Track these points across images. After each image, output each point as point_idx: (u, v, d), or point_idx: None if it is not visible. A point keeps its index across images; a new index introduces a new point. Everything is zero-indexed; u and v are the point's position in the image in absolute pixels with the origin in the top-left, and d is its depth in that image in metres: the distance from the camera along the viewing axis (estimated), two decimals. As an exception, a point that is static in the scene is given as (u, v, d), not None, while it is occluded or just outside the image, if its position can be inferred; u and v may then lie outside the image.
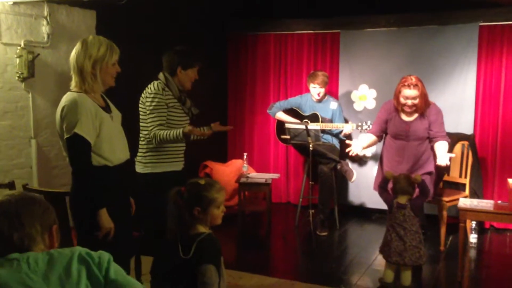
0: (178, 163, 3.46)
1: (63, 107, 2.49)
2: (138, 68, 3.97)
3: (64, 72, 4.10)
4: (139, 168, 3.40)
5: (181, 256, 2.18)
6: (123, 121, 2.75)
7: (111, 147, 2.58)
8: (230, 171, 5.64)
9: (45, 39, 3.99)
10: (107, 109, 2.63)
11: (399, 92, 4.09)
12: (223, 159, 6.18)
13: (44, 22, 3.98)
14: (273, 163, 6.15)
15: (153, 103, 3.24)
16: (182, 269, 2.18)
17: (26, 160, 3.91)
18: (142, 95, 3.35)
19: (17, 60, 3.79)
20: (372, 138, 4.43)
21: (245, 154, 5.31)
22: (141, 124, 3.38)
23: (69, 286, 1.49)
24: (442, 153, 4.02)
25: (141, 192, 3.38)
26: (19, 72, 3.80)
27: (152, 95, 3.26)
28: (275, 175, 5.34)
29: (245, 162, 5.23)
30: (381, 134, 4.43)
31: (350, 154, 4.40)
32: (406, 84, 4.04)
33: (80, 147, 2.46)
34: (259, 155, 6.19)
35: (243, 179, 5.04)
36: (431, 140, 4.18)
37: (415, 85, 4.01)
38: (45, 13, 3.97)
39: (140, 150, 3.40)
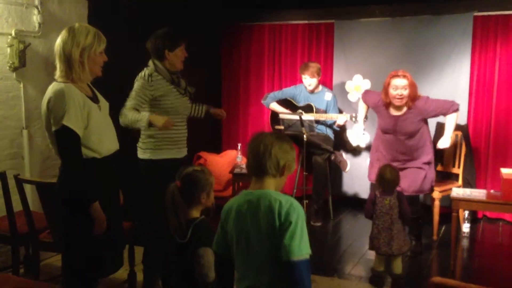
0: (179, 151, 3.42)
1: (50, 98, 2.43)
2: (130, 58, 3.94)
3: (55, 62, 4.06)
4: (139, 154, 3.40)
5: (177, 241, 2.19)
6: (112, 111, 2.72)
7: (100, 138, 2.53)
8: (224, 162, 5.64)
9: (37, 28, 3.95)
10: (94, 99, 2.58)
11: (388, 84, 4.06)
12: (217, 149, 6.17)
13: (35, 11, 3.93)
14: (267, 153, 6.13)
15: (135, 87, 3.25)
16: (179, 254, 2.20)
17: (18, 151, 3.88)
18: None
19: (8, 49, 3.74)
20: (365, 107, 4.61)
21: (239, 144, 5.31)
22: None
23: None
24: (445, 135, 4.13)
25: (140, 178, 3.38)
26: (10, 62, 3.76)
27: (136, 81, 3.28)
28: (269, 166, 5.33)
29: (239, 153, 5.22)
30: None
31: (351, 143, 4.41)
32: (395, 74, 4.04)
33: (69, 140, 2.41)
34: (253, 146, 6.17)
35: (237, 170, 5.04)
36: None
37: (404, 76, 4.01)
38: (36, 2, 3.92)
39: (141, 136, 3.40)
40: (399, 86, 4.00)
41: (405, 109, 4.10)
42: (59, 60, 2.50)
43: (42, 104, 2.50)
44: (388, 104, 4.14)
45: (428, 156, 4.21)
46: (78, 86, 2.49)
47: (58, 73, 2.52)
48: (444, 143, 4.12)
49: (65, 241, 2.58)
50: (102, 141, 2.55)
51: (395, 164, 3.99)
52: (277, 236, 1.78)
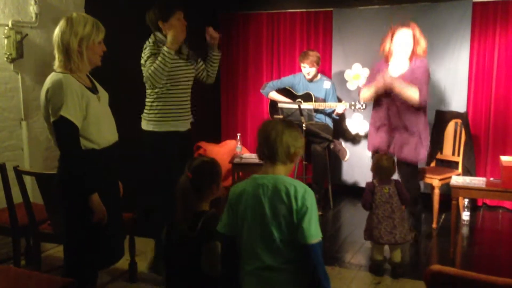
0: (183, 122, 3.43)
1: (48, 89, 2.42)
2: (127, 47, 3.92)
3: (53, 52, 4.04)
4: (143, 125, 3.43)
5: (184, 232, 2.18)
6: (111, 101, 2.71)
7: (99, 130, 2.51)
8: (223, 152, 5.63)
9: (33, 19, 3.92)
10: (93, 90, 2.56)
11: (392, 34, 3.97)
12: (217, 139, 6.16)
13: (32, 2, 3.90)
14: (267, 143, 6.12)
15: (145, 55, 3.30)
16: (184, 244, 2.19)
17: (17, 142, 3.87)
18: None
19: (5, 40, 3.72)
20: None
21: (239, 134, 5.30)
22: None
23: None
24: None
25: (143, 150, 3.41)
26: (8, 53, 3.73)
27: (144, 50, 3.33)
28: (268, 155, 5.33)
29: (239, 143, 5.21)
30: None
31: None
32: (401, 25, 3.95)
33: (67, 131, 2.39)
34: (253, 136, 6.18)
35: (236, 160, 5.03)
36: None
37: (410, 26, 3.93)
38: (33, -8, 3.90)
39: (145, 107, 3.43)
40: (403, 38, 3.93)
41: (405, 68, 4.01)
42: (58, 51, 2.48)
43: (41, 95, 2.49)
44: (388, 58, 4.04)
45: (418, 126, 4.06)
46: (76, 77, 2.48)
47: (56, 63, 2.50)
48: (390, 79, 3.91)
49: (66, 232, 2.58)
50: (101, 132, 2.54)
51: (392, 133, 3.99)
52: (293, 220, 1.88)
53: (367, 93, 4.17)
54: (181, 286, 2.25)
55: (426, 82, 3.97)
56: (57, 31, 2.48)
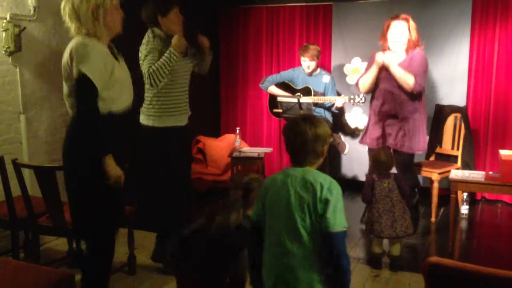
0: (182, 117, 3.45)
1: (71, 50, 2.37)
2: (124, 42, 3.90)
3: (52, 46, 4.03)
4: (142, 119, 3.42)
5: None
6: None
7: (120, 95, 2.49)
8: (223, 146, 5.63)
9: (32, 12, 3.90)
10: (115, 56, 2.55)
11: (388, 27, 4.00)
12: (216, 133, 6.16)
13: (30, -5, 3.89)
14: (266, 137, 6.13)
15: (145, 51, 3.28)
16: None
17: (15, 135, 3.87)
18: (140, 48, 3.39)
19: (3, 34, 3.70)
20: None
21: (238, 128, 5.29)
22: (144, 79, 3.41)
23: None
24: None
25: (143, 143, 3.42)
26: (6, 46, 3.71)
27: (143, 45, 3.31)
28: (268, 149, 5.34)
29: (238, 137, 5.21)
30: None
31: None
32: (395, 17, 3.97)
33: (87, 90, 2.37)
34: (252, 130, 6.17)
35: (235, 154, 5.03)
36: None
37: (405, 18, 3.95)
38: (31, -15, 3.88)
39: (144, 102, 3.42)
40: (398, 30, 3.95)
41: (403, 57, 4.04)
42: (70, 19, 2.41)
43: (64, 56, 2.44)
44: (385, 50, 4.07)
45: (417, 114, 4.08)
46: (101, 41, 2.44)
47: (73, 30, 2.43)
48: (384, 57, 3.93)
49: (75, 201, 2.55)
50: (121, 97, 2.52)
51: (388, 123, 3.99)
52: (317, 210, 1.96)
53: (366, 79, 4.17)
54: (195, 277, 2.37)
55: (423, 69, 4.00)
56: (63, 3, 2.42)
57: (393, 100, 4.04)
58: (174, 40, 3.24)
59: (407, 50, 4.03)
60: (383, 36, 4.06)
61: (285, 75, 5.38)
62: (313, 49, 5.07)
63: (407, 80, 3.91)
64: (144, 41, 3.35)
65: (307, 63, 5.08)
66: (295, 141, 2.06)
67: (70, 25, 2.43)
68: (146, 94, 3.42)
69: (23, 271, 2.51)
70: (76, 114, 2.46)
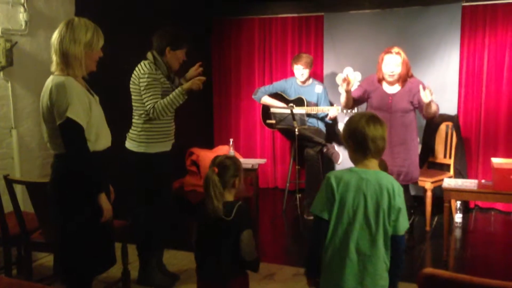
0: (168, 143, 3.52)
1: (51, 91, 2.40)
2: (117, 54, 3.91)
3: (44, 60, 4.01)
4: (131, 146, 3.43)
5: (224, 218, 2.36)
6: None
7: (99, 132, 2.53)
8: (216, 157, 5.61)
9: (23, 26, 3.90)
10: (91, 93, 2.57)
11: (382, 59, 4.09)
12: (210, 145, 6.15)
13: (22, 9, 3.88)
14: (260, 148, 6.13)
15: (148, 82, 3.30)
16: (217, 232, 2.40)
17: (7, 151, 3.84)
18: (133, 75, 3.40)
19: (-5, 48, 3.70)
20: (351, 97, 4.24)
21: (231, 140, 5.28)
22: (134, 104, 3.43)
23: None
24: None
25: (132, 170, 3.43)
26: (-3, 61, 3.71)
27: (146, 75, 3.32)
28: (261, 160, 5.34)
29: (232, 148, 5.20)
30: (357, 99, 4.28)
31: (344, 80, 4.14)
32: (388, 51, 4.05)
33: (75, 132, 2.40)
34: (245, 141, 6.18)
35: (229, 165, 5.01)
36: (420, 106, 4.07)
37: (398, 53, 4.03)
38: (22, 0, 3.87)
39: (134, 129, 3.44)
40: (391, 63, 4.01)
41: (399, 87, 4.12)
42: (56, 54, 2.45)
43: (42, 97, 2.46)
44: (381, 80, 4.15)
45: (415, 142, 4.22)
46: (78, 80, 2.47)
47: (54, 66, 2.47)
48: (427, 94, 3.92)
49: (61, 239, 2.56)
50: (101, 135, 2.54)
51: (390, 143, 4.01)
52: (391, 214, 2.11)
53: (343, 100, 4.22)
54: (213, 268, 2.41)
55: None
56: (56, 35, 2.46)
57: (392, 127, 4.06)
58: (190, 85, 3.32)
59: (402, 83, 4.11)
60: (379, 69, 4.15)
61: (278, 85, 5.39)
62: (306, 57, 5.10)
63: (437, 112, 4.09)
64: (144, 69, 3.33)
65: (300, 71, 5.10)
66: (356, 139, 2.16)
67: (54, 60, 2.47)
68: (136, 121, 3.44)
69: (16, 289, 2.48)
70: (69, 158, 2.48)
